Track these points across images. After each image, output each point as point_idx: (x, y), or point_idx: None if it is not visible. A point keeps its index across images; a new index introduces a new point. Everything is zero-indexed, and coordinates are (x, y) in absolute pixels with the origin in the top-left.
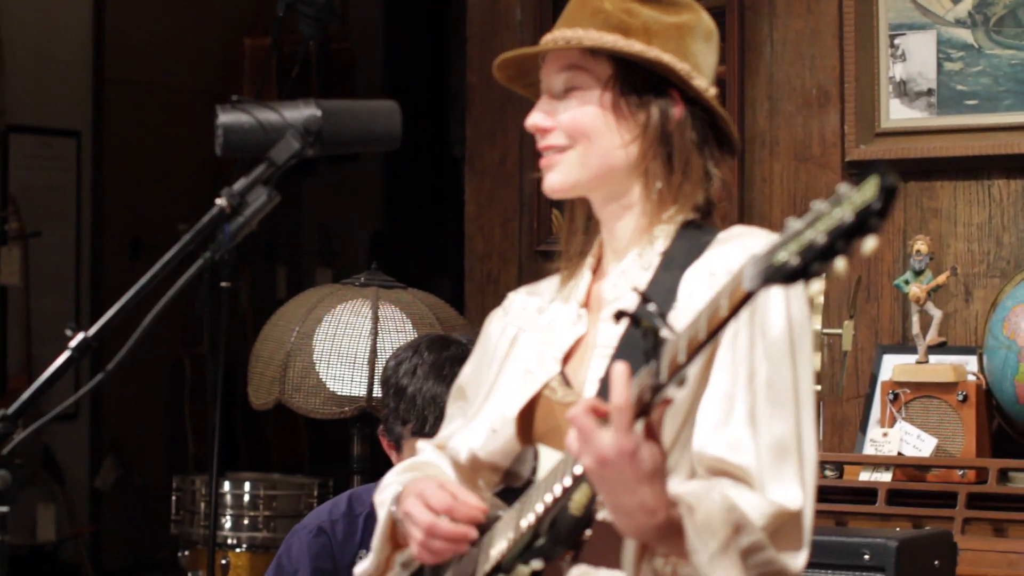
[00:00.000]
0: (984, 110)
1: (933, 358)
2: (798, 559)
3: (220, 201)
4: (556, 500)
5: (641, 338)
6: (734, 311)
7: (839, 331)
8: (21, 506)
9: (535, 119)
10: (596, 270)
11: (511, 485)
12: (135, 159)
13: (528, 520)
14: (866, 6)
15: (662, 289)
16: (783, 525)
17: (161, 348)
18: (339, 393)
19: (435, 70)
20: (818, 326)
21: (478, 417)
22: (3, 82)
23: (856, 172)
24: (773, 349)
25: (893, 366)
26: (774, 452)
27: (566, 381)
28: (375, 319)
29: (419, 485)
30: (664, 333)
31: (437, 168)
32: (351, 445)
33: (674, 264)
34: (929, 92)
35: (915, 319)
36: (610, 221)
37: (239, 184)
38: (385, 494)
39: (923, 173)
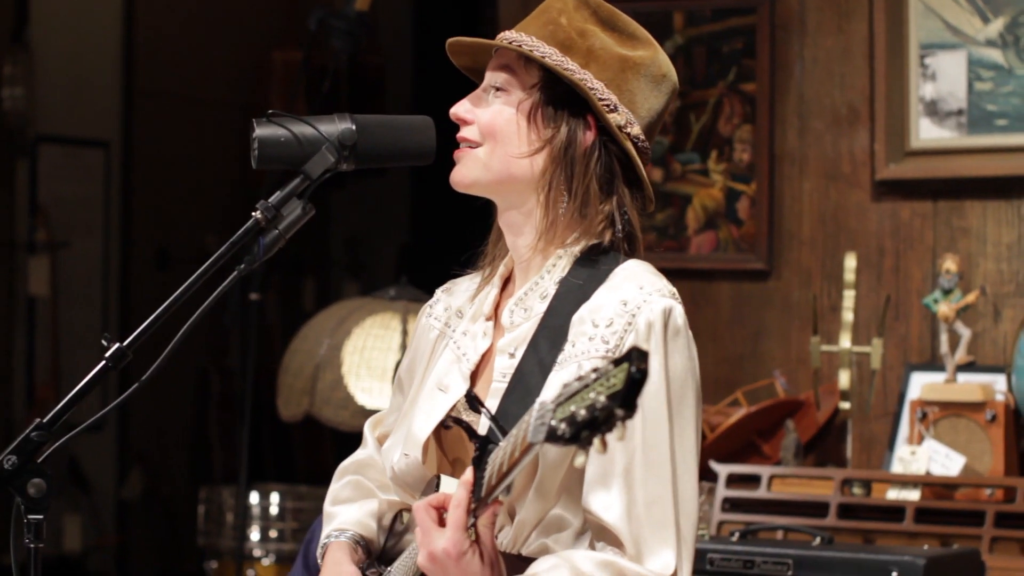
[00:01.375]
0: (1014, 130)
1: (961, 377)
2: None
3: (256, 214)
4: None
5: (473, 447)
6: (523, 455)
7: (868, 349)
8: (47, 515)
9: (457, 109)
10: (508, 280)
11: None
12: (164, 170)
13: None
14: (897, 25)
15: (552, 329)
16: None
17: (187, 359)
18: (368, 406)
19: (464, 83)
20: (847, 344)
21: (400, 428)
22: (33, 93)
23: (885, 191)
24: (649, 407)
25: (921, 385)
26: (649, 514)
27: (473, 402)
28: (404, 332)
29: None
30: (499, 443)
31: None
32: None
33: (568, 299)
34: (959, 112)
35: (944, 338)
36: (512, 234)
37: (274, 197)
38: (325, 524)
39: (953, 192)
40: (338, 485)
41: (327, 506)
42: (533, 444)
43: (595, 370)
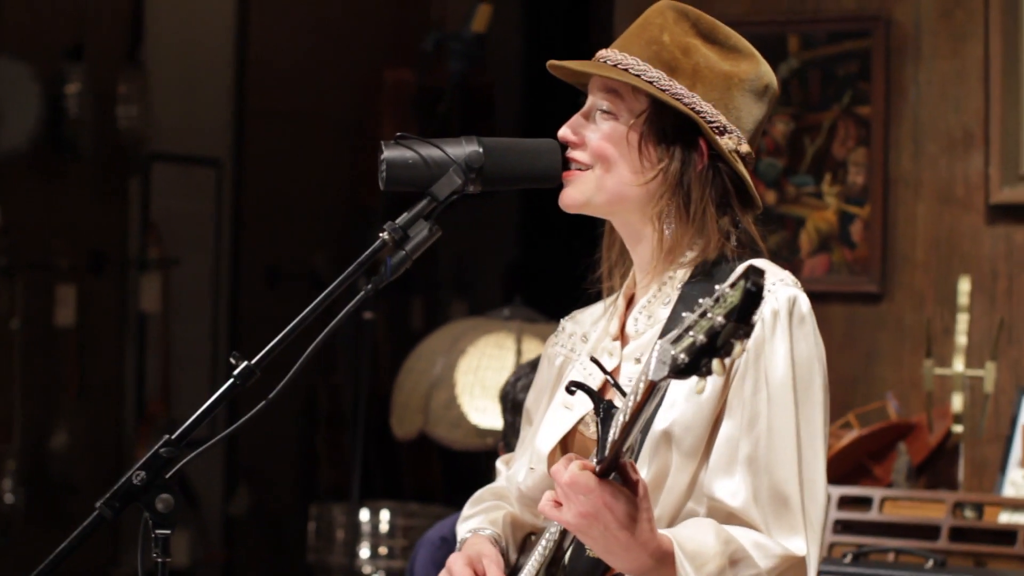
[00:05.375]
0: None
1: None
2: None
3: (383, 235)
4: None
5: (596, 410)
6: (646, 398)
7: (981, 373)
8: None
9: (565, 132)
10: (631, 300)
11: None
12: (274, 188)
13: (548, 551)
14: (1012, 48)
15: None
16: (788, 570)
17: (296, 377)
18: (481, 425)
19: (573, 103)
20: (960, 367)
21: (526, 450)
22: (147, 111)
23: (1000, 215)
24: (776, 394)
25: None
26: (775, 500)
27: (590, 394)
28: (518, 352)
29: (455, 559)
30: (619, 407)
31: None
32: (493, 476)
33: (690, 301)
34: None
35: None
36: (631, 249)
37: (401, 218)
38: (460, 530)
39: None
40: (472, 510)
41: (460, 525)
42: (655, 382)
43: (713, 296)
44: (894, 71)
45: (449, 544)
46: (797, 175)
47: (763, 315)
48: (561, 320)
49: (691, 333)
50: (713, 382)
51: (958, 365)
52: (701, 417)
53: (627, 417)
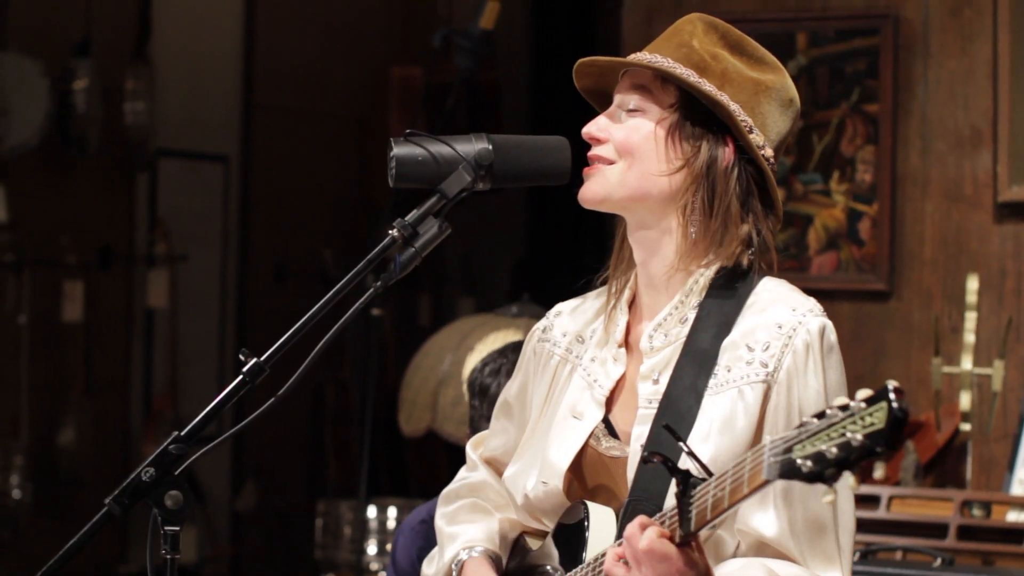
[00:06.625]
0: None
1: None
2: None
3: (393, 232)
4: None
5: (671, 476)
6: (753, 492)
7: (989, 371)
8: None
9: (590, 128)
10: (632, 304)
11: (566, 522)
12: (281, 184)
13: None
14: (1020, 47)
15: (697, 354)
16: None
17: (304, 373)
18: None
19: (580, 99)
20: (968, 365)
21: (528, 453)
22: (154, 107)
23: (1008, 213)
24: None
25: None
26: (811, 528)
27: (610, 428)
28: None
29: None
30: (694, 474)
31: None
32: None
33: (710, 322)
34: None
35: None
36: (644, 253)
37: (411, 215)
38: (447, 538)
39: None
40: (451, 508)
41: (444, 527)
42: (769, 480)
43: (843, 407)
44: (902, 69)
45: (428, 526)
46: (805, 173)
47: (795, 346)
48: (548, 314)
49: (818, 444)
50: (747, 415)
51: (966, 363)
52: (736, 452)
53: (726, 503)
